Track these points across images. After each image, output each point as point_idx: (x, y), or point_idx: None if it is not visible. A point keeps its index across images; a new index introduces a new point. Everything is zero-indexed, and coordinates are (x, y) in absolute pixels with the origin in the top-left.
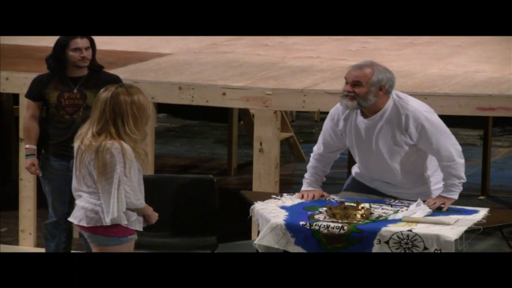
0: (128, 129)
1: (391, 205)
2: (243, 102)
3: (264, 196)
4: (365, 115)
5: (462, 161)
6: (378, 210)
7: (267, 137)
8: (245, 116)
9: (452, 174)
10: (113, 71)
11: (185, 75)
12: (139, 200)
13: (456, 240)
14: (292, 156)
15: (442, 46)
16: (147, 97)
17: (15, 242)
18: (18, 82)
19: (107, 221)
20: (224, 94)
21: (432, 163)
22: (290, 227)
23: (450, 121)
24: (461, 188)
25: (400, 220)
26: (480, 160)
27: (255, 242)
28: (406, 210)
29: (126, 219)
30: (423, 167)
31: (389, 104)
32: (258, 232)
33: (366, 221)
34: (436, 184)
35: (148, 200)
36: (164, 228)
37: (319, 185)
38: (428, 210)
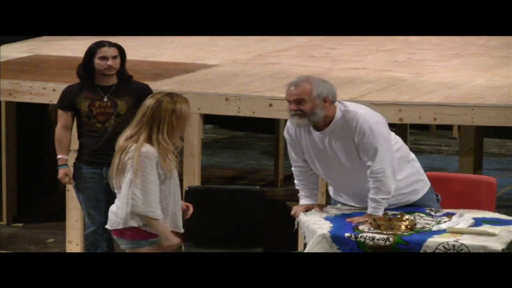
0: (161, 137)
1: (432, 216)
2: None
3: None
4: (318, 128)
5: (392, 180)
6: (421, 221)
7: None
8: None
9: (381, 190)
10: (159, 82)
11: (232, 86)
12: (150, 207)
13: (503, 249)
14: None
15: (489, 57)
16: (190, 108)
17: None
18: None
19: (119, 222)
20: (270, 105)
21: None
22: (336, 239)
23: (497, 132)
24: (386, 205)
25: (444, 231)
26: None
27: None
28: (449, 220)
29: (137, 222)
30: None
31: (337, 114)
32: (305, 244)
33: (411, 232)
34: (406, 187)
35: (195, 211)
36: (211, 239)
37: (313, 198)
38: (471, 220)
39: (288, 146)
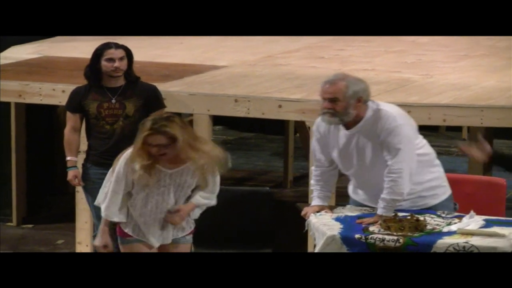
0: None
1: (442, 217)
2: (299, 114)
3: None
4: (346, 126)
5: (407, 183)
6: (432, 222)
7: None
8: (301, 128)
9: (394, 190)
10: (169, 84)
11: (241, 87)
12: (102, 202)
13: None
14: None
15: (498, 58)
16: (142, 135)
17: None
18: None
19: None
20: (280, 106)
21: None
22: (346, 240)
23: (507, 133)
24: (396, 207)
25: (454, 232)
26: None
27: None
28: (459, 222)
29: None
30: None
31: (368, 113)
32: (315, 246)
33: (421, 233)
34: (427, 190)
35: (204, 211)
36: (220, 240)
37: (326, 200)
38: (481, 222)
39: (314, 143)
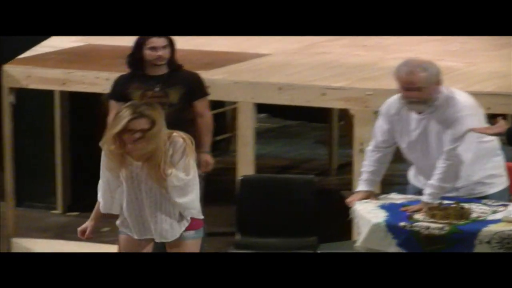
0: None
1: (488, 205)
2: (343, 102)
3: None
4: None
5: (459, 173)
6: (477, 209)
7: (367, 138)
8: (345, 116)
9: (444, 177)
10: (211, 72)
11: (284, 75)
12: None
13: None
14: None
15: None
16: (115, 119)
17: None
18: None
19: None
20: (324, 94)
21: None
22: (391, 228)
23: None
24: (442, 194)
25: (499, 220)
26: None
27: (357, 244)
28: (504, 210)
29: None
30: (471, 158)
31: (440, 99)
32: (359, 234)
33: (466, 221)
34: (488, 178)
35: (249, 200)
36: (265, 228)
37: (374, 186)
38: None
39: (381, 124)
